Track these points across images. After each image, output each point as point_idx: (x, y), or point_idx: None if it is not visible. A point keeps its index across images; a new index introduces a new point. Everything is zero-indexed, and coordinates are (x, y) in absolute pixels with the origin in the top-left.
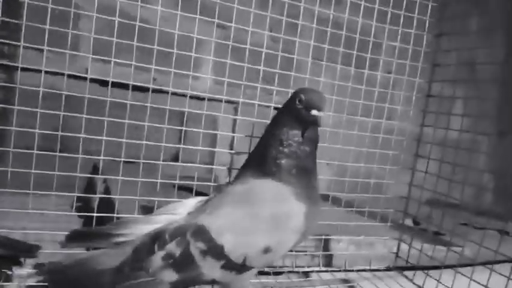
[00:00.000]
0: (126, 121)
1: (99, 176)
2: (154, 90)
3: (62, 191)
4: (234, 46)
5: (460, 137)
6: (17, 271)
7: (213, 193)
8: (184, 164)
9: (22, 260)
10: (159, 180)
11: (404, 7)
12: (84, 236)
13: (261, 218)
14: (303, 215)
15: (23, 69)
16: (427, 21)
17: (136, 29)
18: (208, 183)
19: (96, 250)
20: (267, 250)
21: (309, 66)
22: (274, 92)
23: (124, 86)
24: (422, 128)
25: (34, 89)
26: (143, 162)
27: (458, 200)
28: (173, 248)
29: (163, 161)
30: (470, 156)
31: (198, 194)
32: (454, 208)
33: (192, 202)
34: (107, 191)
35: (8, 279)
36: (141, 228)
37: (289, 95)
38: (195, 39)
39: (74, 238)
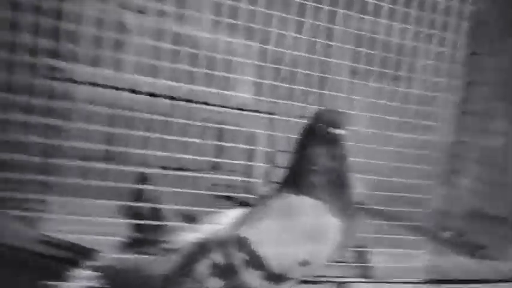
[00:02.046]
0: (171, 137)
1: (146, 186)
2: (197, 102)
3: (112, 198)
4: (273, 63)
5: (496, 153)
6: (76, 273)
7: (254, 206)
8: (224, 177)
9: (81, 262)
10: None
11: (438, 26)
12: (136, 242)
13: (299, 232)
14: (338, 229)
15: (80, 83)
16: (462, 40)
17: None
18: (247, 195)
19: (145, 256)
20: (304, 263)
21: (343, 83)
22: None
23: (165, 97)
24: (458, 143)
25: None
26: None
27: (501, 214)
28: (217, 257)
29: (204, 172)
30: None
31: (237, 204)
32: (493, 222)
33: (235, 213)
34: (154, 199)
35: (68, 280)
36: (188, 236)
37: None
38: (233, 56)
39: (127, 244)
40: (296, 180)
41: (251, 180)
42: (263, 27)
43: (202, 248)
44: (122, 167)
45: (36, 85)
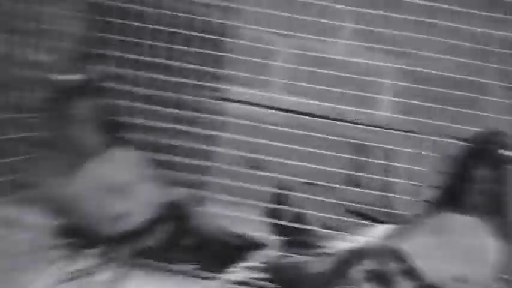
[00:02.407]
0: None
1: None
2: (335, 119)
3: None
4: (416, 78)
5: None
6: (244, 263)
7: (408, 222)
8: (361, 190)
9: (250, 254)
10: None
11: None
12: (295, 243)
13: (457, 250)
14: (498, 251)
15: (227, 100)
16: None
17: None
18: (386, 210)
19: (303, 256)
20: (461, 279)
21: (495, 103)
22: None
23: (306, 115)
24: None
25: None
26: (320, 185)
27: None
28: (373, 265)
29: (340, 185)
30: None
31: (372, 220)
32: None
33: (385, 228)
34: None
35: (237, 267)
36: (342, 244)
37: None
38: (373, 71)
39: (287, 243)
40: (455, 199)
41: (389, 196)
42: (409, 49)
43: (357, 255)
44: (264, 173)
45: (201, 102)
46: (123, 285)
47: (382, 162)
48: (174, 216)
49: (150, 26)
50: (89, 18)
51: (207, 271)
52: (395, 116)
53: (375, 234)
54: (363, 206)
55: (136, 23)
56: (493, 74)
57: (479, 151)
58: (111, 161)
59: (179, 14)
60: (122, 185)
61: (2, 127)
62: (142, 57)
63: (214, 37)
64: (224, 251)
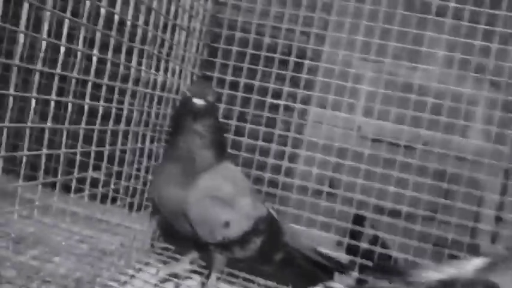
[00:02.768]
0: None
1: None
2: (422, 146)
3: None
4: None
5: None
6: (329, 284)
7: (502, 256)
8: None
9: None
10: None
11: None
12: (381, 269)
13: None
14: None
15: (314, 122)
16: None
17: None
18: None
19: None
20: None
21: None
22: None
23: (390, 143)
24: None
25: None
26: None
27: None
28: None
29: (423, 214)
30: None
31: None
32: None
33: (478, 262)
34: (374, 234)
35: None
36: (431, 274)
37: None
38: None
39: (372, 269)
40: None
41: (476, 229)
42: (502, 78)
43: (449, 287)
44: (346, 195)
45: (289, 123)
46: None
47: (470, 192)
48: (268, 230)
49: (250, 51)
50: (208, 45)
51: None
52: (486, 145)
53: (467, 266)
54: (447, 238)
55: (238, 48)
56: None
57: None
58: (221, 175)
59: (278, 41)
60: (228, 197)
61: (125, 138)
62: (239, 79)
63: (306, 61)
64: (311, 270)
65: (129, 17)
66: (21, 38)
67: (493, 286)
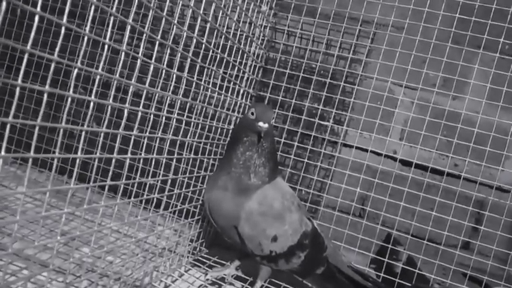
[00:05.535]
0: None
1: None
2: (453, 176)
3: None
4: None
5: None
6: None
7: None
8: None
9: None
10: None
11: None
12: None
13: None
14: None
15: (345, 145)
16: None
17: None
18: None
19: None
20: None
21: None
22: None
23: (424, 168)
24: None
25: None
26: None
27: None
28: None
29: (453, 246)
30: None
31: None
32: None
33: None
34: (408, 260)
35: None
36: None
37: None
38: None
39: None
40: None
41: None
42: None
43: None
44: (372, 225)
45: (323, 142)
46: None
47: (503, 229)
48: (312, 245)
49: (294, 72)
50: (263, 68)
51: None
52: None
53: None
54: (479, 272)
55: (283, 70)
56: None
57: None
58: (274, 190)
59: (315, 64)
60: (278, 213)
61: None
62: (281, 98)
63: (345, 84)
64: (346, 285)
65: (205, 40)
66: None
67: None
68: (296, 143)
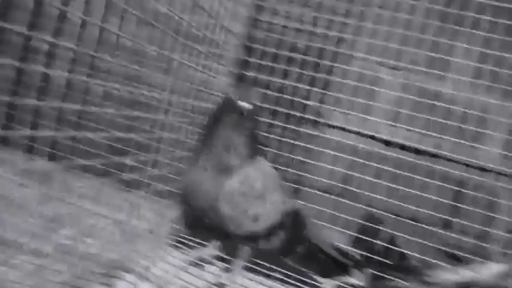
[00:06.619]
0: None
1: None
2: (435, 156)
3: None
4: None
5: None
6: (345, 279)
7: None
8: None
9: (351, 270)
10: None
11: None
12: (398, 268)
13: None
14: None
15: (328, 126)
16: None
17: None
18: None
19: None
20: None
21: None
22: None
23: (407, 148)
24: None
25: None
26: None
27: None
28: None
29: (434, 224)
30: None
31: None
32: None
33: (497, 267)
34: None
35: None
36: (448, 275)
37: None
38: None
39: (389, 267)
40: None
41: (484, 245)
42: None
43: None
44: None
45: (303, 125)
46: (232, 279)
47: (489, 199)
48: (293, 224)
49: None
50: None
51: (309, 279)
52: (502, 157)
53: (484, 271)
54: (458, 250)
55: (267, 49)
56: None
57: None
58: (255, 169)
59: (300, 43)
60: (259, 192)
61: (162, 128)
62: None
63: (329, 63)
64: (328, 264)
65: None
66: None
67: None
68: (279, 123)
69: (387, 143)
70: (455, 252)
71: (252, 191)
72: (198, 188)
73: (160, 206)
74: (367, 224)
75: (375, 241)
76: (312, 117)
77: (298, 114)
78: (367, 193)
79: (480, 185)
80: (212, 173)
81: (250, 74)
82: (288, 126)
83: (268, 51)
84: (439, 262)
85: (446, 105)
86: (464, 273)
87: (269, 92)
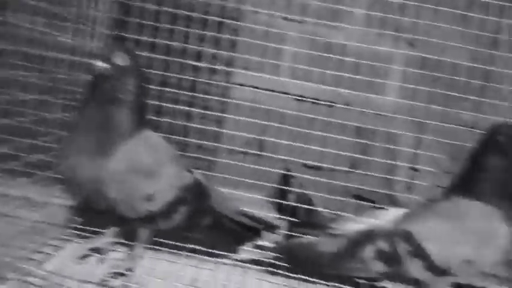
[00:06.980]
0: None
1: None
2: (342, 105)
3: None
4: (423, 65)
5: None
6: (256, 243)
7: (418, 206)
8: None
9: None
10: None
11: None
12: (306, 224)
13: (467, 234)
14: (508, 236)
15: (237, 84)
16: None
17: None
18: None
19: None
20: (469, 262)
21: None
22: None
23: (314, 103)
24: None
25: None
26: (326, 169)
27: None
28: (383, 245)
29: (344, 169)
30: None
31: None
32: None
33: (395, 212)
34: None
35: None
36: (352, 225)
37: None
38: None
39: (298, 225)
40: (467, 186)
41: (393, 181)
42: (419, 36)
43: (367, 236)
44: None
45: (212, 86)
46: (137, 263)
47: (387, 147)
48: (194, 198)
49: (169, 9)
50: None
51: (220, 250)
52: (402, 101)
53: (385, 216)
54: (366, 190)
55: (154, 7)
56: (503, 62)
57: (492, 141)
58: (141, 144)
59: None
60: (150, 168)
61: (36, 108)
62: (158, 40)
63: (229, 21)
64: (237, 231)
65: None
66: None
67: (411, 235)
68: (178, 91)
69: (296, 99)
70: (363, 199)
71: (140, 168)
72: (78, 174)
73: (48, 194)
74: (279, 183)
75: (285, 202)
76: (217, 81)
77: (200, 79)
78: (281, 154)
79: (382, 132)
80: (90, 155)
81: (132, 36)
82: (189, 93)
83: (150, 9)
84: (345, 214)
85: (339, 56)
86: (366, 222)
87: (161, 57)
